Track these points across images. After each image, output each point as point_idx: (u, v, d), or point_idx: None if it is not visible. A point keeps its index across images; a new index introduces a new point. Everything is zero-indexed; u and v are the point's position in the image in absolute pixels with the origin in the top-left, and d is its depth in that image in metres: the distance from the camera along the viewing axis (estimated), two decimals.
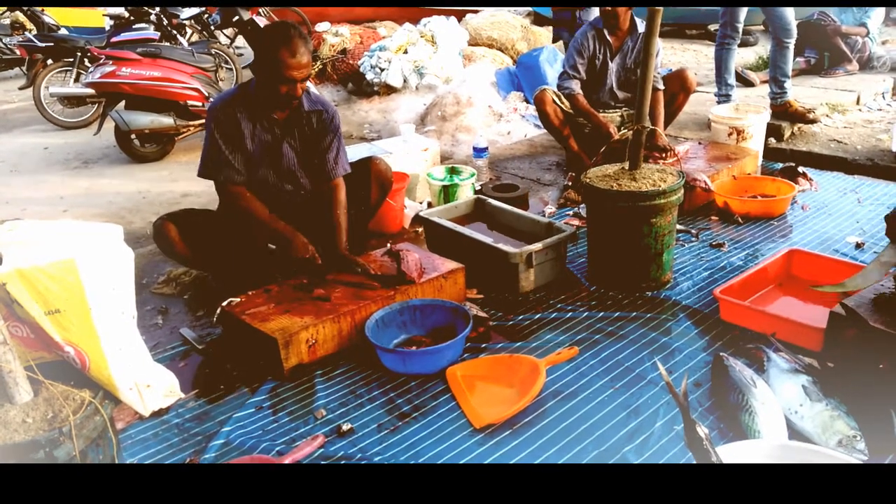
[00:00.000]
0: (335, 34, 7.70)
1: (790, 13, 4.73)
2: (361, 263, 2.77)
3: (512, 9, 8.35)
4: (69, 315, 1.79)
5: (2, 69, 9.76)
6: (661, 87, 4.14)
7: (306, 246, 2.77)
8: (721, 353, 2.32)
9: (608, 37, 4.10)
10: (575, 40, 4.17)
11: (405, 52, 7.13)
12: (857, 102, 5.67)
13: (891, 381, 2.00)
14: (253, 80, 2.79)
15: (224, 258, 2.92)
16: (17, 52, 8.16)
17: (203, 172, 2.83)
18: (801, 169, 4.04)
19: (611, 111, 4.28)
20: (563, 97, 4.20)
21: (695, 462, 1.56)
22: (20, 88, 7.45)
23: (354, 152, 3.71)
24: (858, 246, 3.23)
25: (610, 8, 3.98)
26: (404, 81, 6.94)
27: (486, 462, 2.02)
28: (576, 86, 4.13)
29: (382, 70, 6.99)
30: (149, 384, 2.14)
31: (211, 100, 5.37)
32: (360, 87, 7.24)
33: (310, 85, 2.97)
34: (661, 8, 2.62)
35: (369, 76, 7.06)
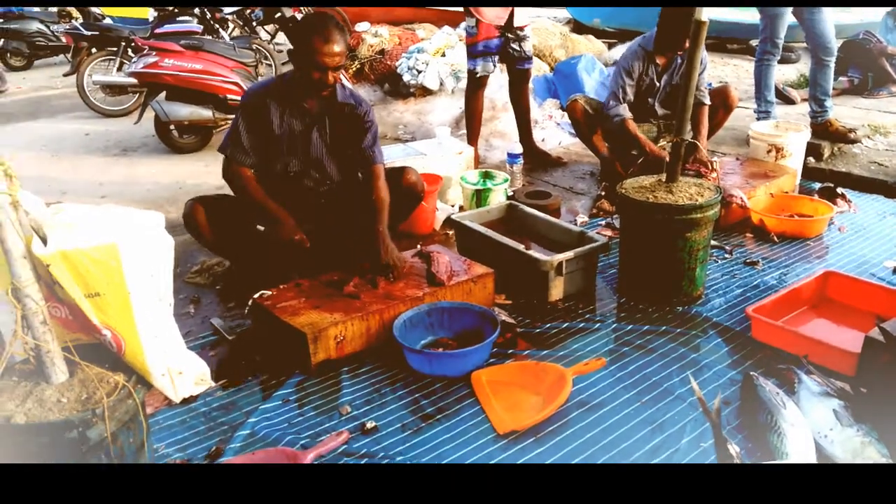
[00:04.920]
0: (374, 34, 7.74)
1: (830, 31, 4.66)
2: (395, 260, 2.78)
3: (552, 16, 8.32)
4: (108, 299, 1.82)
5: (48, 55, 9.98)
6: (708, 101, 4.09)
7: (295, 228, 2.82)
8: (751, 373, 2.29)
9: (657, 58, 4.05)
10: (625, 60, 4.08)
11: (443, 54, 7.14)
12: None
13: None
14: (290, 72, 2.86)
15: (247, 247, 2.97)
16: (63, 39, 8.33)
17: (221, 147, 2.95)
18: (839, 190, 3.98)
19: (647, 124, 4.25)
20: (610, 119, 4.08)
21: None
22: (64, 75, 7.60)
23: (388, 153, 3.73)
24: None
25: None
26: (441, 84, 6.94)
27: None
28: (625, 111, 4.02)
29: (419, 72, 7.00)
30: (181, 371, 2.16)
31: None
32: (397, 88, 7.26)
33: (344, 80, 3.02)
34: (707, 20, 2.60)
35: (406, 77, 7.08)
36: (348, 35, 2.81)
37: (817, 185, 4.21)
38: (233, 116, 5.56)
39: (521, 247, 2.97)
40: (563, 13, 10.10)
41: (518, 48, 4.46)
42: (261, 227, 2.97)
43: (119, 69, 6.98)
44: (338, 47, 2.69)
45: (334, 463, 2.04)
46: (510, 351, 2.62)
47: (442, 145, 4.15)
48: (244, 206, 3.05)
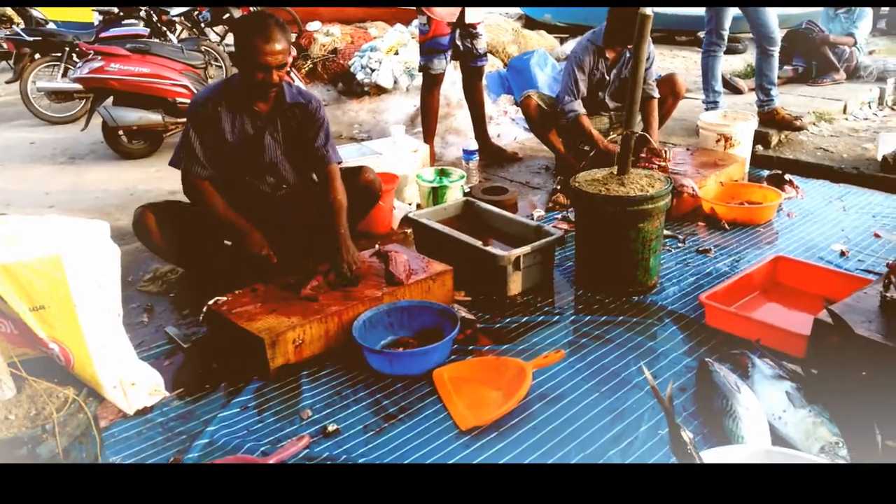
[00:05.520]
0: (326, 34, 7.68)
1: (773, 22, 4.77)
2: (350, 262, 2.76)
3: (503, 12, 8.36)
4: (54, 312, 1.78)
5: None
6: (657, 95, 4.15)
7: (262, 242, 2.79)
8: (706, 359, 2.34)
9: (607, 52, 4.09)
10: (575, 55, 4.12)
11: (396, 52, 7.12)
12: (844, 111, 5.73)
13: (873, 389, 2.02)
14: (236, 75, 2.81)
15: (200, 254, 2.94)
16: (5, 45, 8.07)
17: (173, 161, 2.87)
18: (787, 176, 4.08)
19: (598, 117, 4.29)
20: (564, 115, 4.11)
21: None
22: (7, 82, 7.38)
23: (344, 153, 3.70)
24: (843, 254, 3.25)
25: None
26: (395, 82, 6.92)
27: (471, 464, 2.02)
28: (579, 107, 4.06)
29: (373, 70, 6.98)
30: (133, 382, 2.13)
31: None
32: (351, 87, 7.22)
33: (297, 81, 2.99)
34: (652, 14, 2.64)
35: (360, 76, 7.05)
36: (292, 34, 2.77)
37: (766, 173, 4.31)
38: (183, 120, 5.55)
39: (479, 243, 2.98)
40: (515, 9, 10.17)
41: (470, 45, 4.46)
42: (227, 242, 2.93)
43: (64, 75, 6.80)
44: (279, 45, 2.64)
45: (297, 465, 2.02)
46: (471, 347, 2.62)
47: (397, 144, 4.14)
48: (196, 212, 3.00)
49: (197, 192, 2.85)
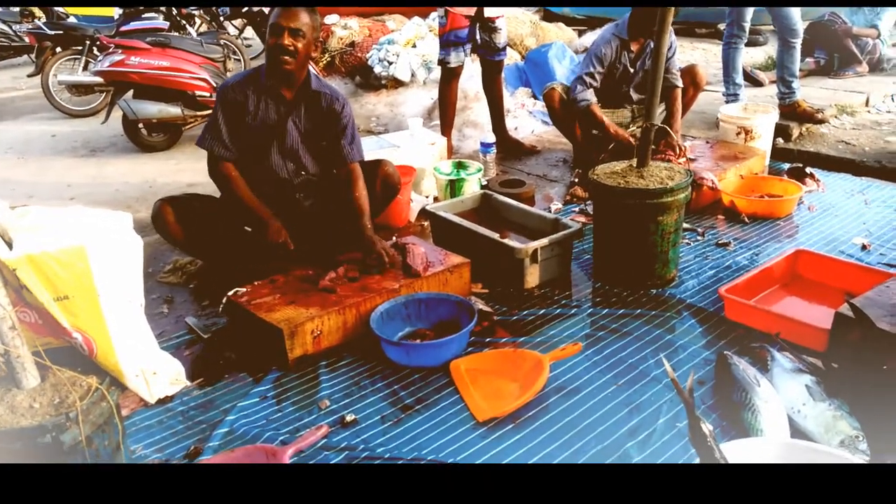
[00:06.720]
0: (344, 27, 7.69)
1: (796, 13, 4.71)
2: (385, 249, 2.79)
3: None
4: (78, 301, 1.80)
5: (11, 56, 9.74)
6: (681, 84, 4.11)
7: (280, 231, 2.83)
8: (725, 352, 2.32)
9: (631, 44, 4.06)
10: (596, 47, 4.09)
11: (413, 45, 7.12)
12: (866, 104, 5.66)
13: (895, 383, 2.00)
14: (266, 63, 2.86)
15: (217, 245, 2.97)
16: (27, 39, 8.17)
17: (200, 142, 2.94)
18: (808, 169, 4.03)
19: (621, 110, 4.27)
20: (576, 103, 4.09)
21: (698, 458, 1.56)
22: (29, 76, 7.48)
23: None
24: (864, 248, 3.22)
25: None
26: (412, 75, 6.93)
27: (488, 455, 2.03)
28: (591, 96, 4.05)
29: (390, 63, 6.98)
30: (155, 371, 2.16)
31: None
32: (368, 80, 7.24)
33: (315, 73, 3.01)
34: (673, 7, 2.61)
35: (377, 69, 7.05)
36: (318, 14, 2.81)
37: (786, 166, 4.27)
38: (202, 113, 5.60)
39: (496, 235, 2.98)
40: None
41: (489, 39, 4.45)
42: (248, 228, 2.99)
43: (85, 68, 6.88)
44: (298, 16, 2.71)
45: (314, 457, 2.04)
46: (488, 339, 2.62)
47: (415, 136, 4.14)
48: (215, 203, 3.04)
49: (220, 174, 2.92)
